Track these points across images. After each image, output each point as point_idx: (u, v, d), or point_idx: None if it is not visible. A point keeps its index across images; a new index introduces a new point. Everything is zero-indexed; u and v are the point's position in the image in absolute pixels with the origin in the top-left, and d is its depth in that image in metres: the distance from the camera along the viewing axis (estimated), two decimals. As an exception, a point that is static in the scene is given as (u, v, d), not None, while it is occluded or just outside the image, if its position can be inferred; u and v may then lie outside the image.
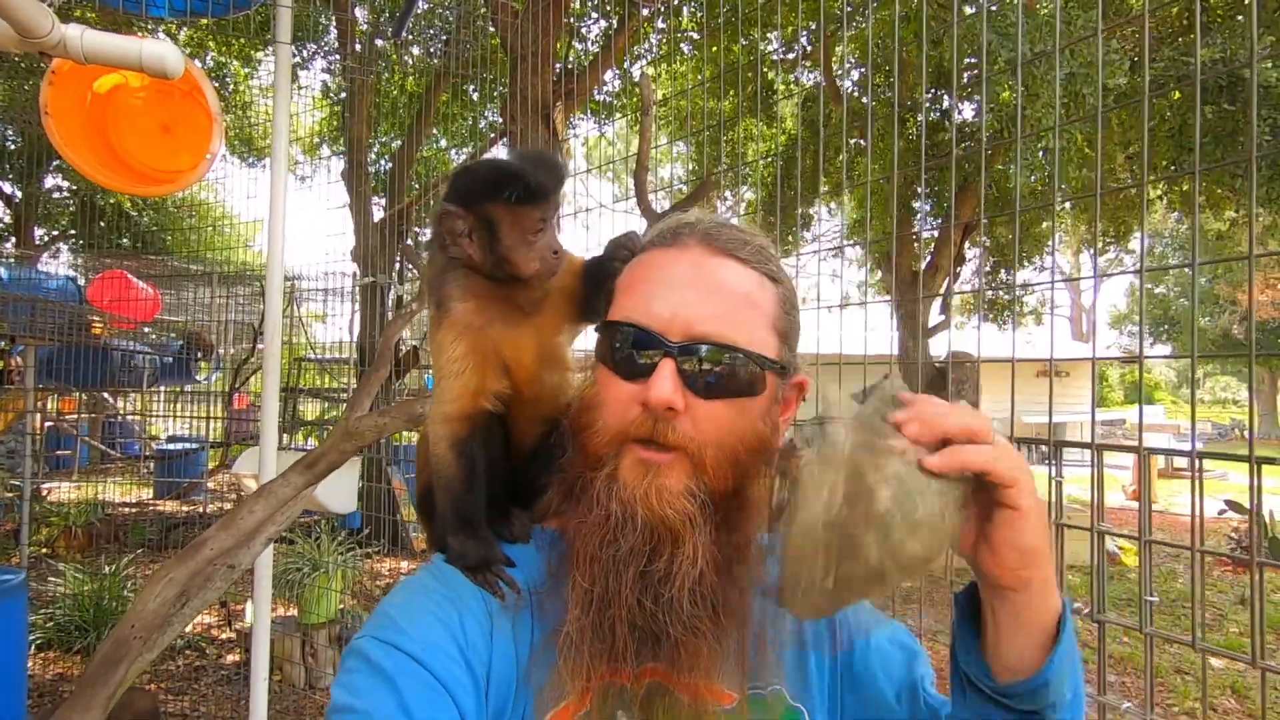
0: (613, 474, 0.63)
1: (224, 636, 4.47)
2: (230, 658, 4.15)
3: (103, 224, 8.27)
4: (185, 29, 7.19)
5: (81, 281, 6.53)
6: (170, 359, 6.97)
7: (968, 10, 5.69)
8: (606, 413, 0.65)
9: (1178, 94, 5.62)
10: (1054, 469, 1.34)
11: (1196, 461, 1.17)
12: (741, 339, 0.64)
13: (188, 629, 4.29)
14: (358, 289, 5.50)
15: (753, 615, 0.66)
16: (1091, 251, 13.40)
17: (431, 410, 0.74)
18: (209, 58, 7.88)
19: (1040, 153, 5.56)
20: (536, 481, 0.76)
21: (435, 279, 0.76)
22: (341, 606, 4.26)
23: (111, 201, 8.64)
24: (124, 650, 1.19)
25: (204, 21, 7.21)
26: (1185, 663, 4.62)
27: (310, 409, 8.00)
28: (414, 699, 0.55)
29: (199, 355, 6.93)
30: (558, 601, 0.64)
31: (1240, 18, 5.57)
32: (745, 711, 0.64)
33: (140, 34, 3.68)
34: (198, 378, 7.23)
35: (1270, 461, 1.04)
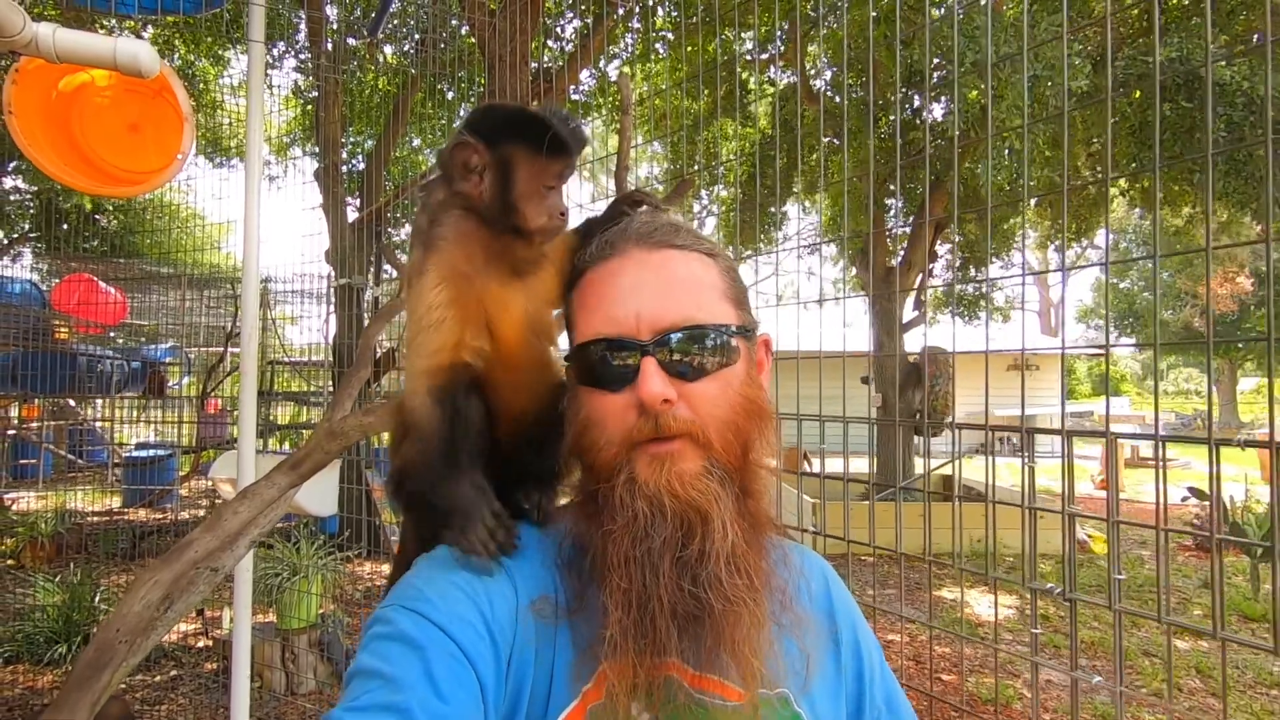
0: (630, 477, 0.64)
1: (200, 645, 4.40)
2: (208, 666, 4.08)
3: (65, 226, 8.05)
4: (151, 27, 7.03)
5: (45, 286, 6.36)
6: (138, 364, 6.81)
7: (936, 13, 5.80)
8: (606, 427, 0.67)
9: (1138, 93, 5.79)
10: (1026, 456, 1.38)
11: (1114, 443, 1.27)
12: (705, 317, 0.67)
13: (165, 638, 4.21)
14: (333, 291, 5.44)
15: (777, 584, 0.68)
16: (1056, 246, 13.70)
17: (407, 367, 0.69)
18: (176, 57, 7.71)
19: (1006, 152, 5.70)
20: (531, 466, 0.74)
21: (428, 225, 0.71)
22: (321, 611, 4.22)
23: (75, 204, 8.42)
24: (109, 655, 1.18)
25: (170, 20, 7.07)
26: (1153, 645, 4.78)
27: (283, 413, 7.89)
28: (440, 670, 0.56)
29: (151, 396, 6.80)
30: (589, 612, 0.64)
31: (1196, 20, 5.76)
32: (754, 710, 0.64)
33: (102, 31, 3.59)
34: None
35: (1174, 439, 1.18)
